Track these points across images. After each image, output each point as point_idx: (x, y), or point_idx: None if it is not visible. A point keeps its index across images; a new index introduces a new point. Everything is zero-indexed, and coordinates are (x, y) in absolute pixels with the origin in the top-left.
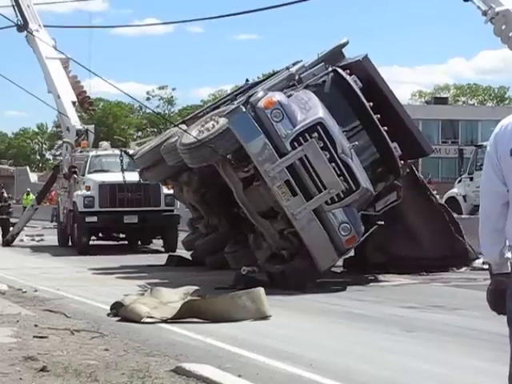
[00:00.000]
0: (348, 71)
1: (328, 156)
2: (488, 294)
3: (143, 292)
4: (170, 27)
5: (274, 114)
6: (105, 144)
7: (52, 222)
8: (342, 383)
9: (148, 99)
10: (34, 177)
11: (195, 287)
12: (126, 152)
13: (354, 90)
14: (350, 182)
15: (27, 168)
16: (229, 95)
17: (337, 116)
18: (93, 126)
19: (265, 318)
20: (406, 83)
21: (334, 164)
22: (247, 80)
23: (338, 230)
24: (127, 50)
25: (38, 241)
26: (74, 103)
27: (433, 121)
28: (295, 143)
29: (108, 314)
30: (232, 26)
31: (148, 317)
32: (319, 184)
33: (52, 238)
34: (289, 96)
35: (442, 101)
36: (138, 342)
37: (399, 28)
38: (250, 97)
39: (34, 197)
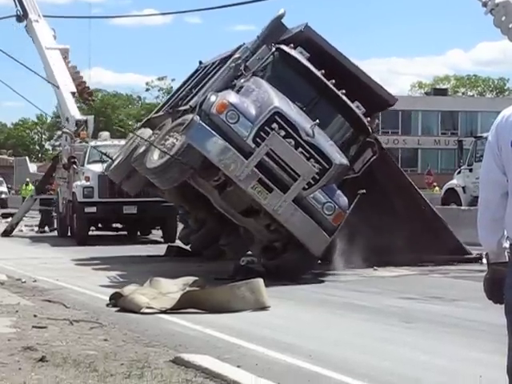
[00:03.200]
0: (292, 45)
1: (293, 143)
2: (485, 282)
3: (142, 282)
4: (168, 18)
5: (229, 116)
6: (104, 134)
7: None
8: (341, 374)
9: (147, 90)
10: (33, 167)
11: (194, 278)
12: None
13: (302, 63)
14: (322, 161)
15: (26, 158)
16: (184, 85)
17: (293, 94)
18: (92, 116)
19: (264, 308)
20: (404, 74)
21: (301, 149)
22: (200, 62)
23: (323, 211)
24: (126, 40)
25: (36, 231)
26: (73, 94)
27: (432, 112)
28: (258, 139)
29: (107, 305)
30: (230, 16)
31: (147, 307)
32: (292, 173)
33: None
34: (239, 89)
35: (442, 92)
36: (137, 332)
37: (398, 19)
38: (202, 103)
39: (33, 187)
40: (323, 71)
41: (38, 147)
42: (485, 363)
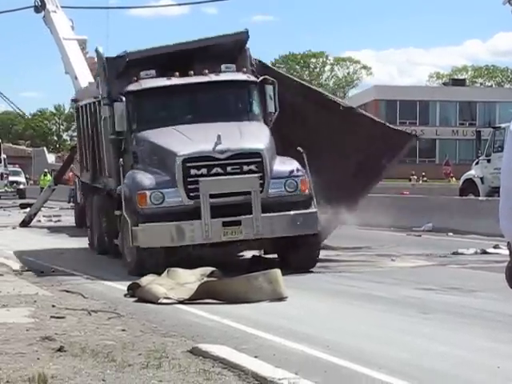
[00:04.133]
0: None
1: (219, 170)
2: (507, 271)
3: (160, 273)
4: (185, 8)
5: (154, 198)
6: None
7: (69, 202)
8: (358, 365)
9: None
10: (51, 157)
11: (212, 268)
12: None
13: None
14: (252, 160)
15: (44, 149)
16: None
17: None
18: None
19: (281, 299)
20: (421, 65)
21: (229, 169)
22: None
23: (288, 192)
24: (143, 31)
25: (55, 221)
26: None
27: (450, 102)
28: (191, 194)
29: (125, 295)
30: (247, 7)
31: (165, 298)
32: (243, 194)
33: (69, 219)
34: (135, 158)
35: (460, 82)
36: (155, 322)
37: (415, 9)
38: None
39: (51, 177)
40: None
41: (55, 138)
42: (503, 354)
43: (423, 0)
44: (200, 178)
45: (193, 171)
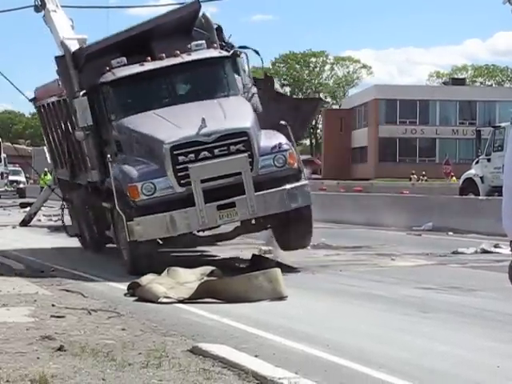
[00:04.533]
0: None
1: (207, 154)
2: (510, 270)
3: (160, 272)
4: None
5: (145, 190)
6: None
7: None
8: (358, 364)
9: None
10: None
11: (212, 267)
12: None
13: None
14: (237, 140)
15: (44, 148)
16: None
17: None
18: None
19: (281, 298)
20: (421, 64)
21: (217, 151)
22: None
23: (277, 167)
24: None
25: (55, 221)
26: None
27: (450, 102)
28: (182, 181)
29: (125, 294)
30: (247, 6)
31: (165, 297)
32: (234, 176)
33: (69, 218)
34: (119, 147)
35: (460, 82)
36: (155, 321)
37: (414, 9)
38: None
39: (51, 177)
40: None
41: None
42: (502, 353)
43: None
44: (189, 165)
45: (181, 158)
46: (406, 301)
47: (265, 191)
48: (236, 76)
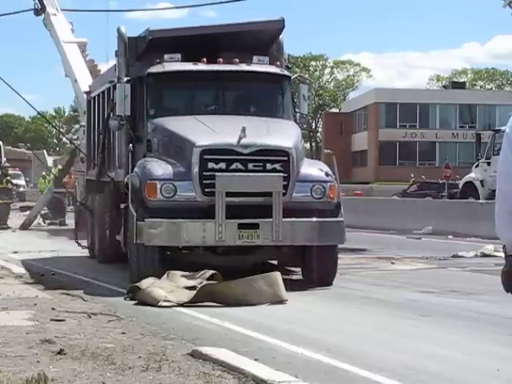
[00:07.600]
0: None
1: (239, 166)
2: (502, 275)
3: (160, 276)
4: (183, 11)
5: (164, 191)
6: None
7: (69, 205)
8: (359, 368)
9: None
10: (50, 160)
11: (212, 271)
12: None
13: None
14: (278, 158)
15: (44, 152)
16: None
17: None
18: None
19: (281, 302)
20: (420, 68)
21: (251, 166)
22: (119, 28)
23: (314, 199)
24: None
25: (58, 224)
26: None
27: (450, 105)
28: (206, 190)
29: (125, 298)
30: (245, 10)
31: (165, 300)
32: (263, 195)
33: (69, 222)
34: (149, 144)
35: (460, 85)
36: (155, 325)
37: (413, 12)
38: (132, 196)
39: (45, 181)
40: None
41: (55, 141)
42: (502, 357)
43: (422, 3)
44: (217, 173)
45: (210, 164)
46: (405, 304)
47: (294, 219)
48: (289, 98)
